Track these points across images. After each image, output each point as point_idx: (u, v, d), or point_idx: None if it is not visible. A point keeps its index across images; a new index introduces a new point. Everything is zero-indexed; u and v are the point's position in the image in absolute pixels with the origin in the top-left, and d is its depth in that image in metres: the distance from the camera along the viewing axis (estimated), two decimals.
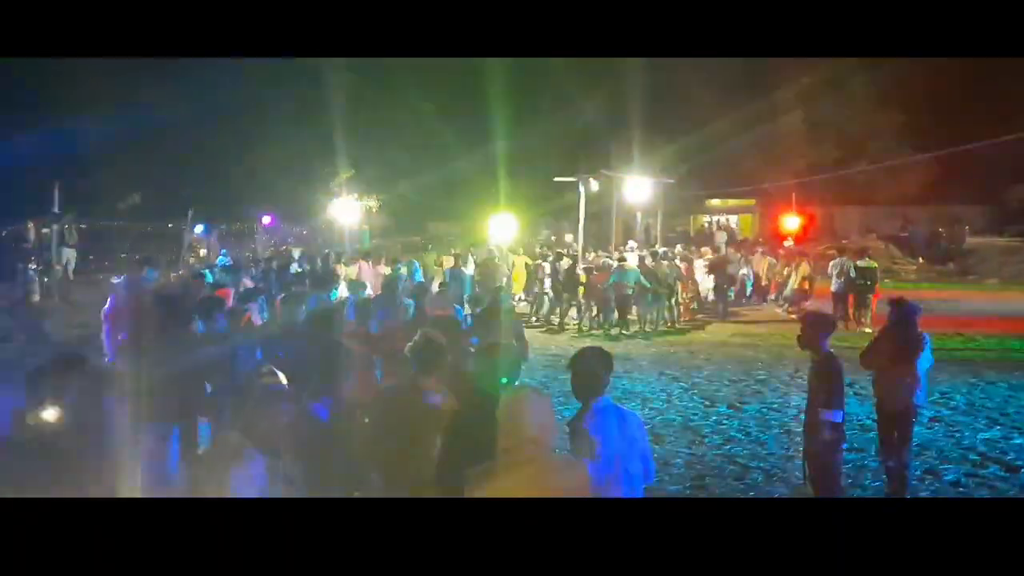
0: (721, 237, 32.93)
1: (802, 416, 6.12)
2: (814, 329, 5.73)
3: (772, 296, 21.28)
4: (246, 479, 3.15)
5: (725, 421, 9.50)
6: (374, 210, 34.15)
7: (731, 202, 40.80)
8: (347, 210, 29.51)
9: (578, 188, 22.71)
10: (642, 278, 16.27)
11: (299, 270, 15.33)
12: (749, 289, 21.65)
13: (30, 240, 19.03)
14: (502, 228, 23.46)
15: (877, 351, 6.81)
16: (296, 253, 19.46)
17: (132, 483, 3.67)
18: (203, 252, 25.56)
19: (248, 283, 12.08)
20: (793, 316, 18.30)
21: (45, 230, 18.53)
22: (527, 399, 3.15)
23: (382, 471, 4.42)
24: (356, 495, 4.42)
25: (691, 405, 10.29)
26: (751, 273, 21.74)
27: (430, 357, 4.47)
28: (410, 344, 4.52)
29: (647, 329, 16.56)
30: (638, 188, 25.44)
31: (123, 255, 23.70)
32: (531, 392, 3.25)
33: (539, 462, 3.05)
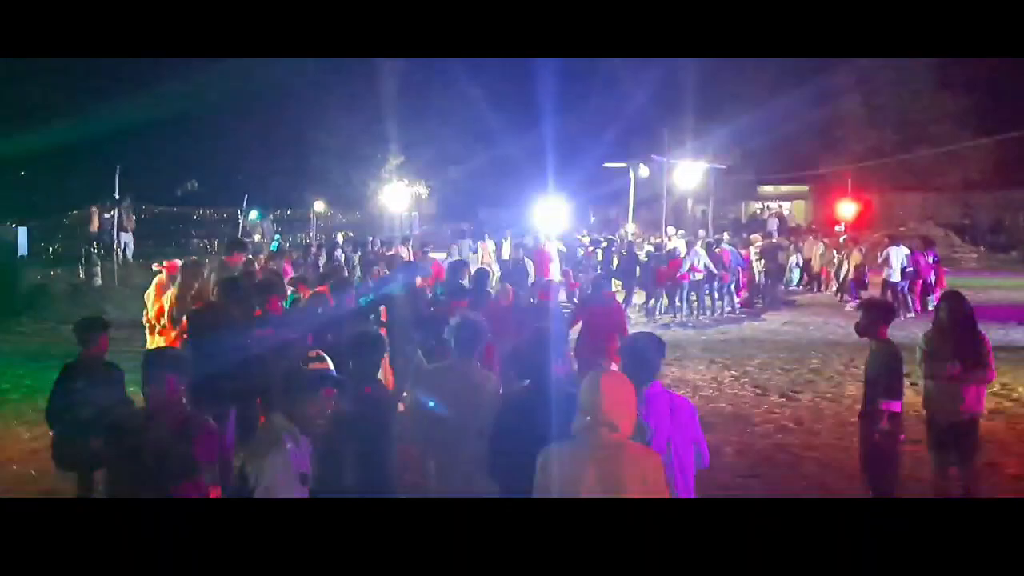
0: (773, 224, 32.38)
1: (857, 406, 6.01)
2: (874, 317, 5.60)
3: (825, 284, 20.93)
4: (282, 464, 3.20)
5: (777, 410, 9.37)
6: (423, 196, 34.39)
7: (784, 188, 40.04)
8: (397, 196, 29.76)
9: (628, 174, 22.54)
10: (709, 264, 16.32)
11: (342, 256, 15.53)
12: (797, 277, 21.33)
13: (93, 225, 19.59)
14: (550, 214, 23.42)
15: (938, 356, 5.73)
16: (340, 239, 19.71)
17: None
18: (257, 238, 26.03)
19: (289, 269, 12.31)
20: (846, 304, 18.05)
21: (107, 216, 19.05)
22: (609, 380, 3.14)
23: (432, 455, 4.46)
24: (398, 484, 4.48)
25: (742, 393, 10.17)
26: (800, 260, 21.42)
27: (469, 339, 4.47)
28: (449, 326, 4.53)
29: (702, 317, 16.53)
30: (689, 173, 25.14)
31: (180, 241, 24.33)
32: (613, 374, 3.23)
33: (615, 447, 3.05)
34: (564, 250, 19.34)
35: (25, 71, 20.25)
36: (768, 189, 40.36)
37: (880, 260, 17.01)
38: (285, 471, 3.18)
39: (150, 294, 8.40)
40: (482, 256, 19.44)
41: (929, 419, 5.88)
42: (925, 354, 5.82)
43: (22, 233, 16.79)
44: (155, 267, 9.65)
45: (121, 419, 3.92)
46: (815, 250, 21.92)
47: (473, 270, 9.12)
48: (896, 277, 16.42)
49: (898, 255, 16.51)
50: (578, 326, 8.30)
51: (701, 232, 23.06)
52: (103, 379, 5.31)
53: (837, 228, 21.54)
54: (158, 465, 3.72)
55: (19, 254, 16.57)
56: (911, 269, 16.56)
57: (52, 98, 22.98)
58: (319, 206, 30.62)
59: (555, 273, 17.75)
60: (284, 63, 25.29)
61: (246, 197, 24.27)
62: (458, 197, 35.59)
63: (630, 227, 23.99)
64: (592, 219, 33.54)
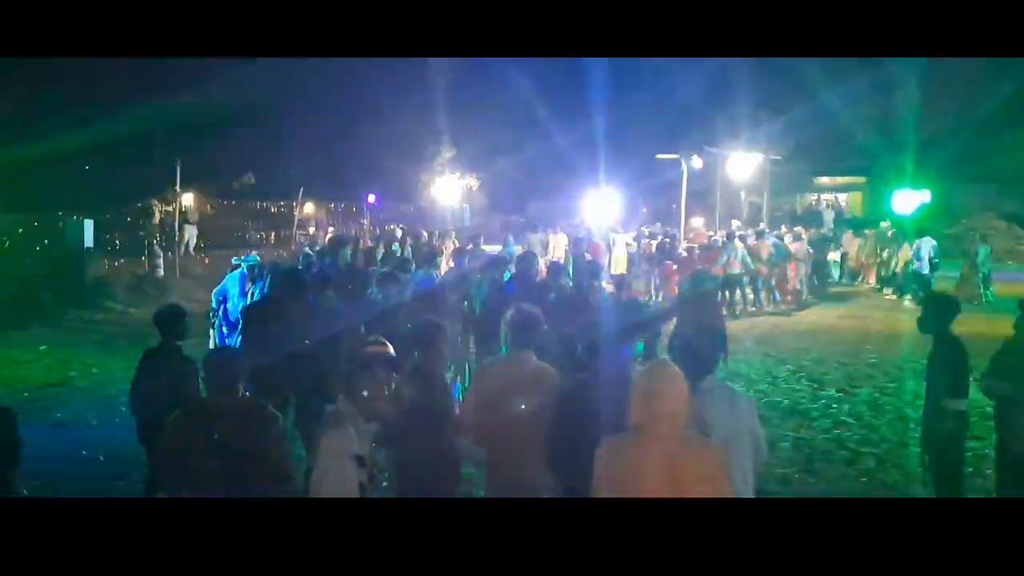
0: (829, 215, 31.74)
1: (919, 402, 5.89)
2: (937, 312, 5.44)
3: (867, 277, 20.57)
4: (338, 446, 3.27)
5: (835, 405, 9.24)
6: (474, 188, 34.51)
7: (840, 179, 39.15)
8: (449, 189, 29.92)
9: (680, 165, 22.30)
10: (747, 258, 16.07)
11: (399, 249, 15.65)
12: (837, 272, 20.92)
13: (155, 217, 20.13)
14: (601, 206, 23.30)
15: (1005, 368, 5.19)
16: (398, 233, 19.90)
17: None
18: (311, 230, 26.46)
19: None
20: (895, 298, 17.81)
21: (168, 208, 19.56)
22: (667, 373, 3.15)
23: (489, 447, 4.50)
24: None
25: (798, 388, 10.04)
26: (839, 254, 21.10)
27: (525, 330, 4.49)
28: (505, 318, 4.56)
29: (751, 309, 16.29)
30: (743, 165, 24.74)
31: (238, 233, 24.86)
32: (670, 366, 3.24)
33: (675, 440, 3.07)
34: (632, 244, 19.20)
35: (89, 69, 20.84)
36: (824, 180, 39.49)
37: (911, 253, 17.16)
38: (340, 453, 3.26)
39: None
40: (553, 249, 19.41)
41: (1000, 445, 5.36)
42: (992, 364, 5.32)
43: (88, 226, 17.33)
44: (234, 261, 9.90)
45: (193, 410, 4.04)
46: (855, 243, 21.52)
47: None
48: (926, 270, 16.73)
49: (927, 247, 16.78)
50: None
51: (735, 223, 22.74)
52: (181, 368, 5.42)
53: (883, 223, 21.06)
54: (228, 456, 3.84)
55: (85, 246, 17.11)
56: (939, 261, 16.85)
57: (115, 94, 23.62)
58: (372, 198, 30.95)
59: (621, 265, 17.73)
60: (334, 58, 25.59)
61: (301, 190, 24.66)
62: (508, 189, 35.61)
63: (695, 220, 23.78)
64: (643, 211, 33.21)
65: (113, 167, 23.97)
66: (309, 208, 27.09)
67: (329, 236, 17.95)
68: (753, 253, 16.38)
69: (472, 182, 32.59)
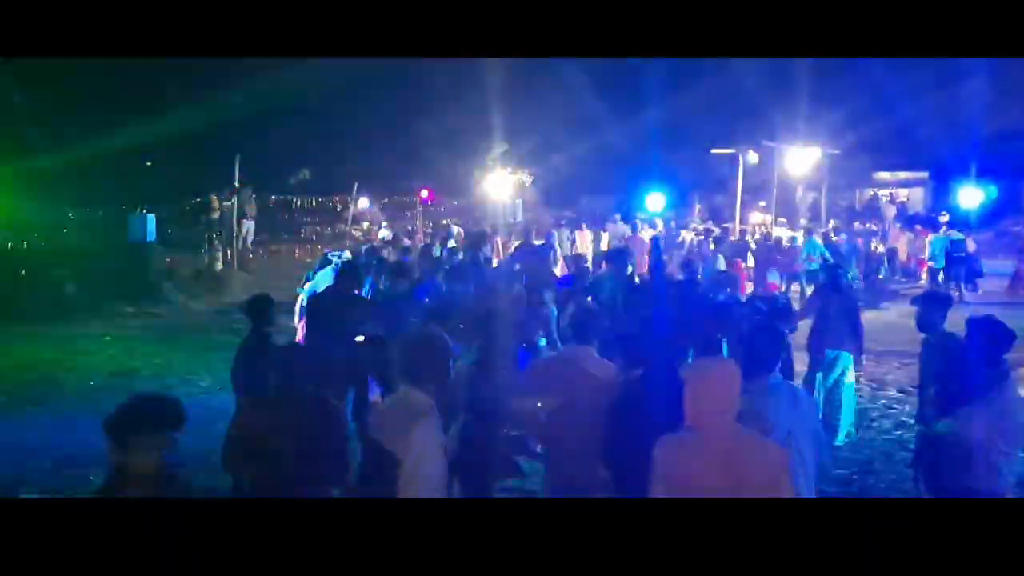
0: (891, 211, 30.93)
1: None
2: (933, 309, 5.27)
3: (918, 274, 20.04)
4: (431, 436, 3.30)
5: (896, 405, 9.01)
6: (527, 184, 34.46)
7: (901, 174, 38.11)
8: (501, 184, 29.93)
9: (735, 160, 21.97)
10: (827, 253, 15.89)
11: (455, 245, 15.68)
12: (884, 270, 20.40)
13: (214, 212, 20.55)
14: (654, 201, 23.10)
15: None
16: (455, 230, 19.97)
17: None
18: (366, 225, 26.72)
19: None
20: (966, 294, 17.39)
21: (227, 203, 19.95)
22: (723, 370, 3.11)
23: (546, 442, 4.50)
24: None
25: (858, 387, 9.80)
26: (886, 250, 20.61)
27: (584, 326, 4.47)
28: (567, 313, 4.56)
29: None
30: (801, 159, 24.26)
31: (294, 228, 25.29)
32: (726, 363, 3.20)
33: (734, 438, 3.03)
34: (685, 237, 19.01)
35: (147, 67, 21.36)
36: (884, 175, 38.48)
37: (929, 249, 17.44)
38: (433, 443, 3.29)
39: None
40: (580, 245, 19.32)
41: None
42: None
43: (150, 220, 17.78)
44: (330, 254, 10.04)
45: (260, 399, 4.12)
46: (903, 238, 20.96)
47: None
48: (940, 264, 17.14)
49: (941, 242, 17.00)
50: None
51: (803, 221, 22.32)
52: (271, 355, 5.49)
53: (941, 218, 20.49)
54: (290, 446, 3.91)
55: (148, 240, 17.56)
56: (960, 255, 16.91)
57: (174, 92, 24.20)
58: (424, 194, 31.11)
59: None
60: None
61: (356, 185, 24.93)
62: (560, 184, 35.48)
63: (763, 217, 23.43)
64: (697, 207, 32.80)
65: (174, 163, 24.58)
66: (363, 203, 27.35)
67: (462, 231, 17.86)
68: (831, 249, 16.14)
69: (524, 178, 32.52)
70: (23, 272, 15.78)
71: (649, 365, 3.94)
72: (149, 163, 26.91)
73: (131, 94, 23.12)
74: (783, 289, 14.86)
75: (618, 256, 8.43)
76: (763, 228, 21.63)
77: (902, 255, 20.83)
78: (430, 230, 23.84)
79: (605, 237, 20.28)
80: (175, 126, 22.11)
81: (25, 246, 18.19)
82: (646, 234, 18.78)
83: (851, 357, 7.84)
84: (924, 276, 19.77)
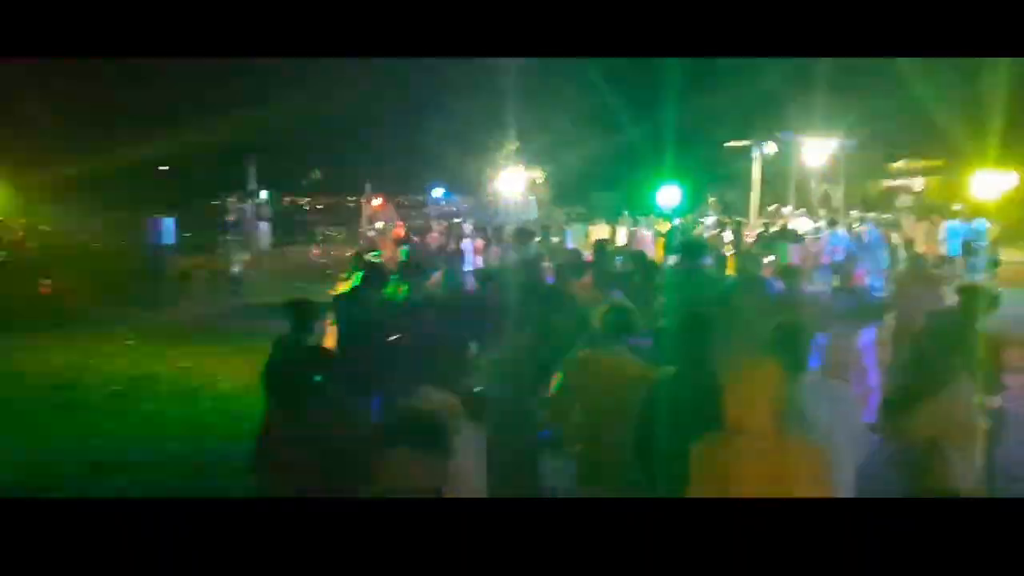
0: (904, 201, 30.69)
1: None
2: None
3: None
4: (470, 441, 3.29)
5: None
6: (538, 181, 34.42)
7: (917, 163, 37.79)
8: (513, 181, 29.93)
9: (751, 153, 21.84)
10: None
11: (471, 245, 15.63)
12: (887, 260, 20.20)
13: (230, 214, 20.69)
14: (666, 196, 22.96)
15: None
16: (468, 228, 19.96)
17: None
18: (379, 225, 26.79)
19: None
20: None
21: (243, 206, 20.08)
22: (766, 369, 3.08)
23: (577, 437, 4.48)
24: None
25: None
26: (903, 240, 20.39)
27: (619, 326, 4.44)
28: (601, 312, 4.52)
29: None
30: (818, 150, 24.08)
31: (307, 228, 25.37)
32: (769, 362, 3.16)
33: (775, 438, 2.99)
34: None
35: (161, 73, 21.50)
36: (899, 165, 38.18)
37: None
38: (470, 448, 3.28)
39: None
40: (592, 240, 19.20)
41: None
42: None
43: (169, 224, 17.88)
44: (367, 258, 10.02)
45: (288, 403, 4.11)
46: (919, 229, 20.76)
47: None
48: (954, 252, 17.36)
49: (957, 230, 17.37)
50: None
51: (823, 212, 22.18)
52: (306, 357, 5.45)
53: (956, 207, 20.30)
54: (317, 451, 3.91)
55: (167, 243, 17.67)
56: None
57: (189, 96, 24.37)
58: (437, 192, 31.19)
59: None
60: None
61: (368, 185, 25.01)
62: (572, 180, 35.41)
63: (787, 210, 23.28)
64: (710, 200, 32.64)
65: (191, 168, 24.77)
66: (376, 202, 27.44)
67: (513, 227, 17.80)
68: (858, 241, 16.02)
69: (537, 174, 32.49)
70: (47, 280, 15.87)
71: (686, 364, 3.91)
72: (166, 168, 27.10)
73: (146, 100, 23.30)
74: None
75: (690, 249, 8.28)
76: (781, 220, 21.48)
77: (919, 245, 20.64)
78: (444, 228, 23.83)
79: (623, 232, 20.17)
80: (191, 132, 22.24)
81: (46, 252, 18.34)
82: (658, 227, 18.71)
83: None
84: (939, 264, 19.60)
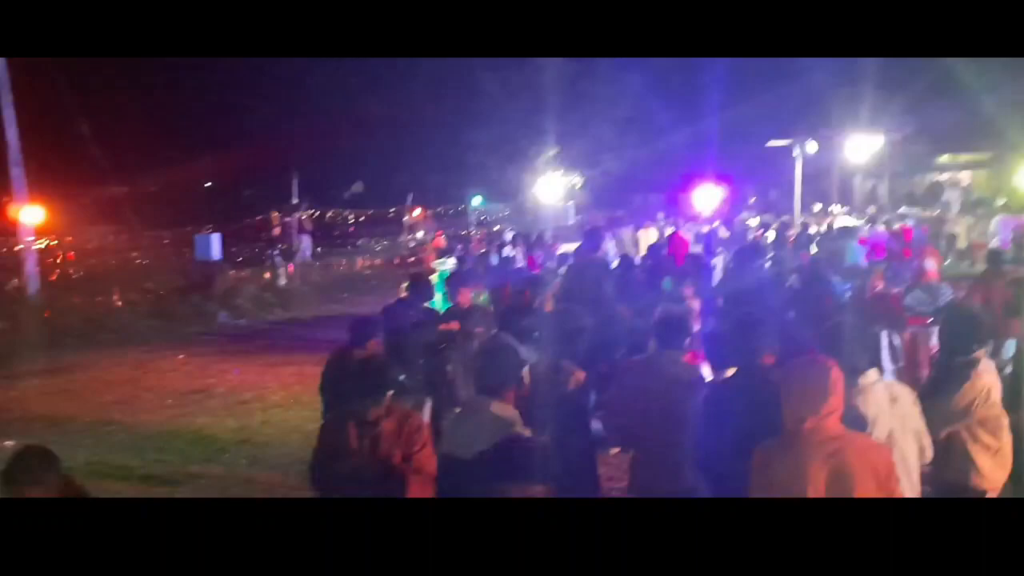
0: (953, 195, 29.97)
1: None
2: None
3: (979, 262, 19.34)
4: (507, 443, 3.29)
5: None
6: (578, 186, 34.35)
7: (964, 157, 36.89)
8: (552, 187, 29.91)
9: (793, 151, 21.58)
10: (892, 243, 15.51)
11: (514, 254, 15.63)
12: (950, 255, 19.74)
13: (275, 229, 21.03)
14: (706, 198, 22.75)
15: None
16: (508, 236, 20.01)
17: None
18: (420, 235, 26.98)
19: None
20: None
21: (287, 219, 20.40)
22: (824, 368, 3.04)
23: (632, 449, 4.46)
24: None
25: None
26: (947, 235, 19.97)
27: (672, 331, 4.42)
28: (655, 319, 4.51)
29: None
30: (861, 147, 23.69)
31: (350, 241, 25.66)
32: (820, 359, 3.12)
33: (840, 439, 2.95)
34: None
35: (204, 91, 21.94)
36: (945, 159, 37.35)
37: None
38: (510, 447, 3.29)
39: None
40: (643, 246, 19.08)
41: None
42: None
43: (216, 239, 18.24)
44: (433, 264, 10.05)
45: (346, 413, 4.15)
46: (962, 223, 20.28)
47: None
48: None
49: (1009, 226, 16.99)
50: None
51: (871, 208, 21.81)
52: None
53: (999, 202, 19.80)
54: (377, 459, 3.95)
55: (214, 258, 18.02)
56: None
57: (232, 115, 24.87)
58: (476, 201, 31.29)
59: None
60: (439, 62, 26.01)
61: (410, 196, 25.20)
62: (612, 184, 35.29)
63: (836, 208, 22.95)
64: (752, 200, 32.28)
65: (234, 184, 25.25)
66: (416, 212, 27.66)
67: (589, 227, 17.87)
68: (898, 237, 15.73)
69: (576, 179, 32.43)
70: (98, 298, 16.25)
71: (743, 366, 3.87)
72: (208, 184, 27.63)
73: (190, 120, 23.85)
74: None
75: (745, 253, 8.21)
76: (826, 219, 21.18)
77: (961, 241, 20.19)
78: (484, 237, 23.91)
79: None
80: (234, 149, 22.68)
81: (99, 270, 18.81)
82: (694, 229, 18.53)
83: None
84: (981, 259, 19.08)
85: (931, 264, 7.56)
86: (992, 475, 4.12)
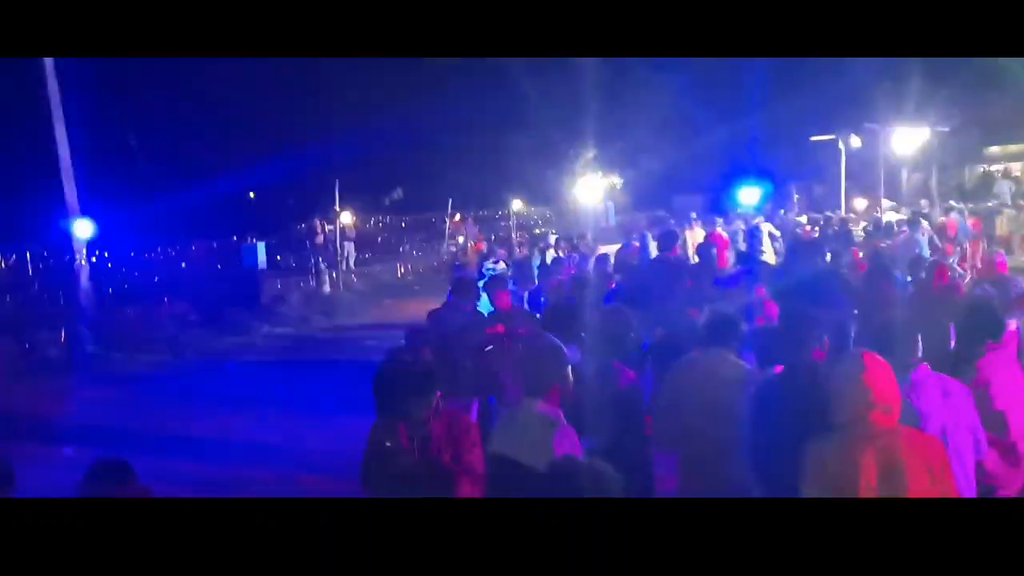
0: (1005, 187, 29.18)
1: None
2: None
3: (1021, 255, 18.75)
4: (567, 445, 3.31)
5: None
6: (617, 187, 34.24)
7: (1013, 147, 35.91)
8: (590, 189, 29.87)
9: (837, 145, 21.25)
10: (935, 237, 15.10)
11: (557, 255, 15.61)
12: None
13: (318, 237, 21.30)
14: (749, 195, 22.49)
15: None
16: (552, 239, 19.98)
17: None
18: (460, 239, 27.12)
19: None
20: None
21: (330, 227, 20.64)
22: (872, 361, 3.02)
23: (680, 442, 4.44)
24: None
25: None
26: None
27: (719, 331, 4.41)
28: (702, 319, 4.51)
29: None
30: (907, 140, 23.20)
31: (392, 248, 25.89)
32: (872, 354, 3.10)
33: (893, 434, 2.93)
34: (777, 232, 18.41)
35: (248, 101, 22.33)
36: (995, 150, 36.40)
37: None
38: (574, 451, 3.31)
39: None
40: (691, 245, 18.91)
41: None
42: None
43: (261, 248, 18.55)
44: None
45: (396, 415, 4.20)
46: (1003, 217, 19.70)
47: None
48: None
49: None
50: None
51: (923, 202, 21.33)
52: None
53: None
54: (428, 461, 4.00)
55: (259, 267, 18.32)
56: None
57: (275, 126, 25.29)
58: (516, 204, 31.35)
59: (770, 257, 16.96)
60: (477, 66, 26.13)
61: (450, 201, 25.34)
62: (650, 184, 35.10)
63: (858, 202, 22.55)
64: (796, 197, 31.80)
65: (278, 193, 25.65)
66: (457, 217, 27.80)
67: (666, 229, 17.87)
68: (941, 232, 15.32)
69: (615, 180, 32.33)
70: (144, 309, 16.59)
71: (793, 362, 3.85)
72: (252, 194, 28.10)
73: (236, 130, 24.29)
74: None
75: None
76: (874, 214, 20.79)
77: (1003, 234, 19.64)
78: (525, 240, 23.95)
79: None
80: (277, 158, 23.04)
81: (149, 280, 19.22)
82: (733, 226, 18.25)
83: None
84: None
85: (1001, 258, 7.38)
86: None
